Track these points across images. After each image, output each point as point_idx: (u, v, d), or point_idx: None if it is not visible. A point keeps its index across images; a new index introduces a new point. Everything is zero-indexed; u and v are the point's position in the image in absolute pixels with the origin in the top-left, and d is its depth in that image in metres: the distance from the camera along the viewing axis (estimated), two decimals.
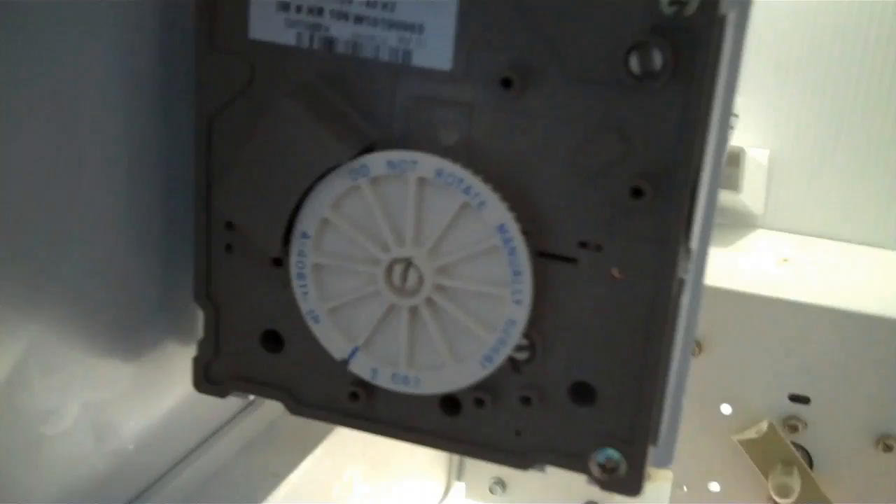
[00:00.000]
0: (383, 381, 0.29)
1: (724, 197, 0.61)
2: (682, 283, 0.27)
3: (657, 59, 0.25)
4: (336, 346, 0.29)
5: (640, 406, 0.28)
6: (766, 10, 0.61)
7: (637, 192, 0.26)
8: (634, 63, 0.25)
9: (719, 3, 0.25)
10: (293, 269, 0.29)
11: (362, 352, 0.29)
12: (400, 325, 0.28)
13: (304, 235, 0.28)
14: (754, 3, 0.28)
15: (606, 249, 0.27)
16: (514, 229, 0.27)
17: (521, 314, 0.27)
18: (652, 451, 0.29)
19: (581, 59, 0.26)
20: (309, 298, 0.29)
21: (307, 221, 0.28)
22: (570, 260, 0.27)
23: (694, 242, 0.27)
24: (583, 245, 0.27)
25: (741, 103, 0.61)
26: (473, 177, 0.27)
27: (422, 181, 0.27)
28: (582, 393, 0.28)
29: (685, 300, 0.28)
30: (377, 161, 0.27)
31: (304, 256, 0.29)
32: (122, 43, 0.28)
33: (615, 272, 0.27)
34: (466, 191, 0.27)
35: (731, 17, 0.26)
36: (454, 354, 0.28)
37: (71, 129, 0.26)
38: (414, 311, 0.28)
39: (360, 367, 0.29)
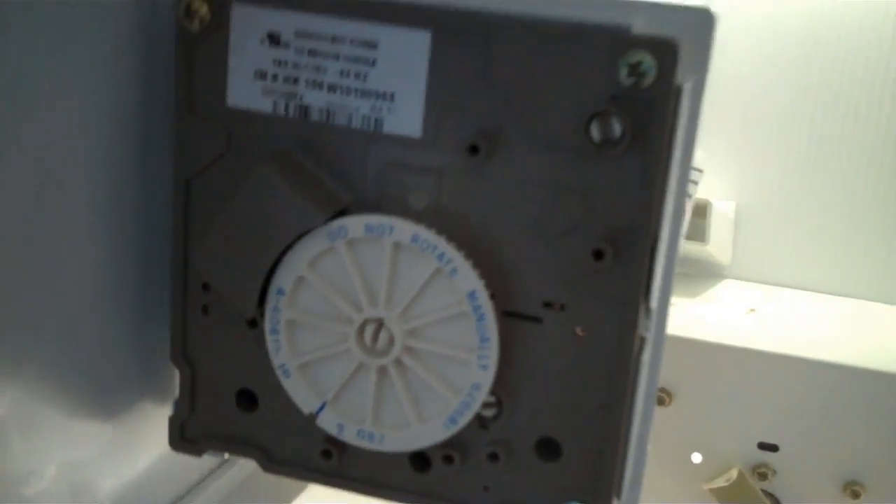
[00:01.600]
0: (349, 437, 0.30)
1: (692, 248, 0.62)
2: (643, 340, 0.28)
3: (616, 128, 0.26)
4: (304, 400, 0.30)
5: (603, 460, 0.29)
6: (731, 65, 0.63)
7: (598, 254, 0.27)
8: (595, 131, 0.26)
9: (675, 75, 0.26)
10: (267, 324, 0.29)
11: (330, 407, 0.30)
12: (368, 383, 0.29)
13: (280, 291, 0.29)
14: (710, 70, 0.30)
15: (570, 309, 0.28)
16: (483, 297, 0.28)
17: (487, 379, 0.28)
18: None
19: (545, 127, 0.27)
20: (281, 353, 0.30)
21: (283, 278, 0.29)
22: (536, 319, 0.28)
23: (654, 301, 0.28)
24: (547, 305, 0.28)
25: (707, 156, 0.63)
26: (447, 244, 0.28)
27: (397, 246, 0.28)
28: (548, 448, 0.29)
29: (646, 356, 0.29)
30: (355, 224, 0.28)
31: (278, 312, 0.29)
32: (103, 106, 0.28)
33: (578, 330, 0.28)
34: (440, 257, 0.28)
35: (688, 87, 0.27)
36: (419, 415, 0.29)
37: (51, 192, 0.27)
38: (382, 370, 0.29)
39: (327, 423, 0.30)
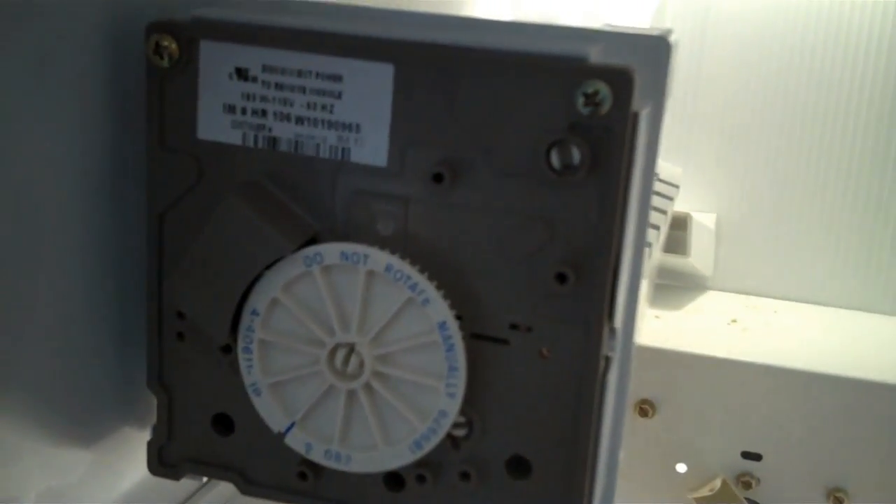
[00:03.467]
0: (317, 456, 0.30)
1: (674, 261, 0.63)
2: (608, 360, 0.29)
3: (575, 155, 0.27)
4: (274, 419, 0.31)
5: (572, 477, 0.29)
6: (710, 77, 0.64)
7: (561, 278, 0.28)
8: (555, 158, 0.27)
9: (631, 102, 0.27)
10: (240, 342, 0.30)
11: (298, 427, 0.30)
12: (337, 405, 0.30)
13: (254, 312, 0.30)
14: (670, 96, 0.30)
15: (536, 331, 0.29)
16: (454, 328, 0.28)
17: (453, 406, 0.29)
18: None
19: (506, 155, 0.28)
20: (252, 372, 0.30)
21: (258, 299, 0.30)
22: (503, 341, 0.29)
23: (618, 321, 0.29)
24: (514, 327, 0.29)
25: (687, 169, 0.64)
26: (420, 275, 0.28)
27: (371, 274, 0.29)
28: (518, 466, 0.30)
29: (612, 376, 0.29)
30: (331, 251, 0.29)
31: (251, 332, 0.30)
32: (77, 139, 0.29)
33: (544, 351, 0.29)
34: (412, 287, 0.28)
35: (645, 113, 0.28)
36: (386, 438, 0.30)
37: (27, 222, 0.28)
38: (352, 393, 0.30)
39: (295, 442, 0.31)
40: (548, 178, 0.27)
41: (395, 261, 0.28)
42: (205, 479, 0.34)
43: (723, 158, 0.65)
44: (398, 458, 0.30)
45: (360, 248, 0.29)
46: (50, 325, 0.29)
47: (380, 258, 0.28)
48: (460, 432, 0.30)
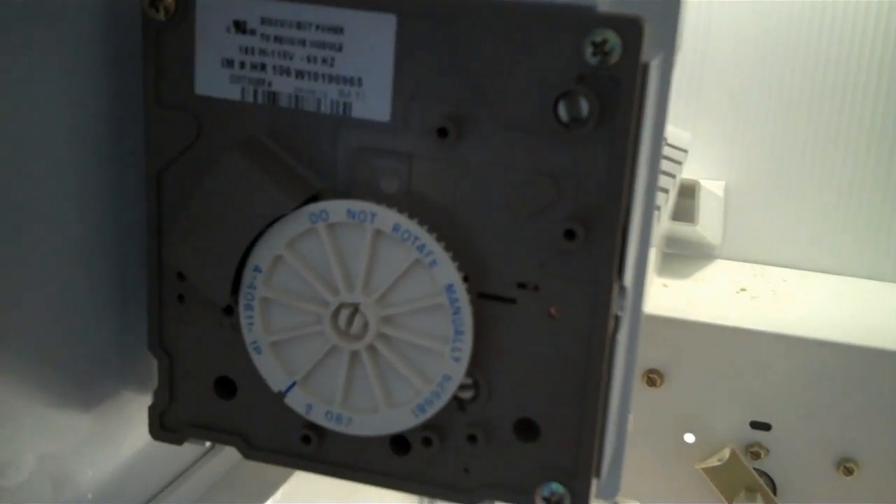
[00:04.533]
0: (317, 417, 0.30)
1: (682, 229, 0.62)
2: (617, 319, 0.28)
3: (584, 107, 0.26)
4: (274, 378, 0.30)
5: (581, 440, 0.29)
6: (718, 44, 0.63)
7: (570, 234, 0.27)
8: (563, 111, 0.26)
9: (640, 53, 0.26)
10: (241, 300, 0.29)
11: (299, 386, 0.30)
12: (339, 366, 0.29)
13: (256, 269, 0.29)
14: (680, 49, 0.30)
15: (543, 289, 0.28)
16: (461, 290, 0.28)
17: (458, 371, 0.28)
18: (596, 483, 0.29)
19: (512, 109, 0.27)
20: (254, 329, 0.30)
21: (261, 256, 0.29)
22: (510, 300, 0.28)
23: (628, 280, 0.28)
24: (521, 286, 0.28)
25: (695, 137, 0.63)
26: (428, 235, 0.28)
27: (378, 233, 0.28)
28: (526, 429, 0.29)
29: (622, 335, 0.29)
30: (337, 208, 0.28)
31: (253, 289, 0.29)
32: (74, 98, 0.28)
33: (553, 310, 0.28)
34: (420, 248, 0.28)
35: (655, 63, 0.27)
36: (389, 401, 0.29)
37: (23, 183, 0.27)
38: (355, 354, 0.29)
39: (296, 402, 0.30)
40: (556, 131, 0.26)
41: (404, 220, 0.28)
42: (208, 444, 0.33)
43: (731, 126, 0.64)
44: (401, 421, 0.29)
45: (368, 206, 0.28)
46: (49, 288, 0.29)
47: (388, 217, 0.28)
48: (467, 394, 0.29)
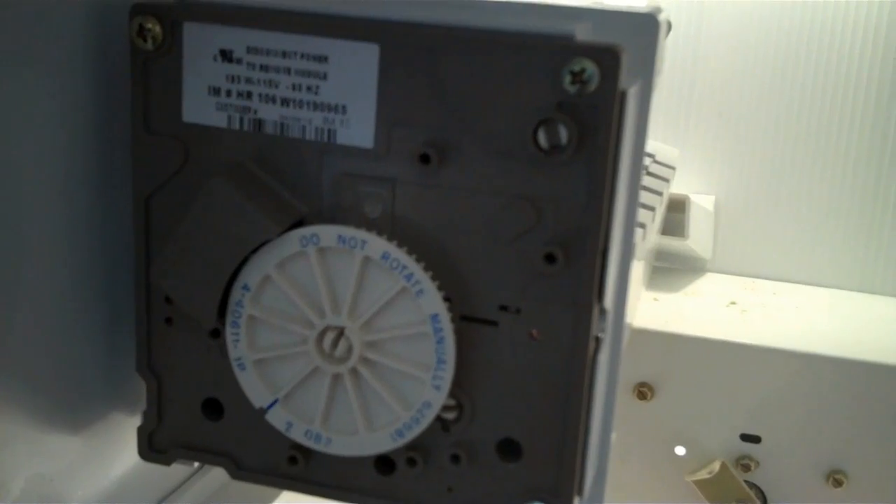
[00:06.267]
0: (297, 435, 0.30)
1: (672, 243, 0.63)
2: (598, 341, 0.29)
3: (563, 134, 0.27)
4: (257, 394, 0.30)
5: (563, 460, 0.29)
6: (707, 60, 0.64)
7: (550, 258, 0.28)
8: (542, 138, 0.27)
9: (618, 80, 0.26)
10: (228, 317, 0.30)
11: (281, 404, 0.30)
12: (321, 387, 0.30)
13: (245, 287, 0.29)
14: (660, 73, 0.30)
15: (525, 312, 0.28)
16: (445, 320, 0.28)
17: (439, 398, 0.29)
18: (578, 501, 0.30)
19: (493, 135, 0.27)
20: (239, 346, 0.30)
21: (250, 274, 0.29)
22: (492, 323, 0.29)
23: (608, 302, 0.29)
24: (503, 308, 0.29)
25: (685, 151, 0.64)
26: (416, 264, 0.28)
27: (367, 260, 0.29)
28: (509, 449, 0.30)
29: (603, 356, 0.29)
30: (329, 233, 0.29)
31: (241, 307, 0.30)
32: (64, 123, 0.29)
33: (534, 333, 0.29)
34: (408, 277, 0.28)
35: (633, 91, 0.28)
36: (368, 424, 0.30)
37: (12, 207, 0.27)
38: (337, 377, 0.30)
39: (276, 419, 0.30)
40: (535, 157, 0.27)
41: (393, 249, 0.28)
42: (196, 464, 0.34)
43: (721, 140, 0.65)
44: (379, 444, 0.30)
45: (358, 233, 0.28)
46: (38, 310, 0.29)
47: (377, 245, 0.28)
48: (450, 415, 0.30)
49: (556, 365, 0.29)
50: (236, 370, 0.30)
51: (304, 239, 0.29)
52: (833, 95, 0.62)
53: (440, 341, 0.28)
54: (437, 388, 0.29)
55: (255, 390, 0.30)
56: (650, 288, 0.63)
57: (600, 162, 0.27)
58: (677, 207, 0.63)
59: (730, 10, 0.63)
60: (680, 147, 0.63)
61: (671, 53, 0.62)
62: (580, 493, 0.30)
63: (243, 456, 0.32)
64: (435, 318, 0.28)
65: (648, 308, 0.60)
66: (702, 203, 0.64)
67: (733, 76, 0.64)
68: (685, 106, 0.65)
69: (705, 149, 0.65)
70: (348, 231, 0.28)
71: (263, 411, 0.30)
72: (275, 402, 0.30)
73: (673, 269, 0.66)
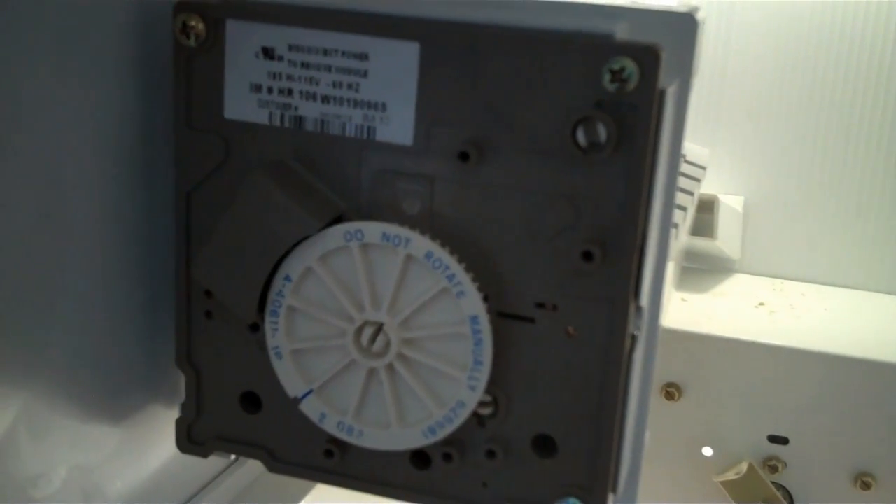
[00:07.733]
0: (329, 426, 0.31)
1: (701, 243, 0.63)
2: (634, 338, 0.29)
3: (602, 133, 0.27)
4: (292, 384, 0.31)
5: (598, 457, 0.29)
6: (738, 61, 0.64)
7: (588, 256, 0.28)
8: (581, 136, 0.27)
9: (657, 79, 0.26)
10: (268, 306, 0.30)
11: (315, 395, 0.31)
12: (356, 380, 0.30)
13: (287, 278, 0.30)
14: (697, 73, 0.30)
15: (562, 309, 0.29)
16: (484, 322, 0.28)
17: (473, 399, 0.29)
18: (612, 499, 0.30)
19: (532, 133, 0.28)
20: (277, 335, 0.30)
21: (293, 266, 0.30)
22: (529, 319, 0.29)
23: (644, 300, 0.29)
24: (540, 305, 0.29)
25: (715, 152, 0.63)
26: (458, 265, 0.28)
27: (410, 258, 0.29)
28: (544, 445, 0.30)
29: (638, 354, 0.29)
30: (373, 230, 0.29)
31: (281, 297, 0.30)
32: (107, 121, 0.29)
33: (570, 330, 0.29)
34: (450, 278, 0.28)
35: (672, 90, 0.28)
36: (401, 419, 0.30)
37: (56, 201, 0.28)
38: (373, 371, 0.30)
39: (310, 409, 0.31)
40: (574, 155, 0.27)
41: (436, 248, 0.28)
42: (233, 456, 0.34)
43: (751, 141, 0.65)
44: (410, 439, 0.30)
45: (403, 231, 0.29)
46: (80, 304, 0.29)
47: (421, 244, 0.28)
48: (486, 411, 0.30)
49: (591, 362, 0.29)
50: (273, 359, 0.31)
51: (348, 234, 0.29)
52: (864, 96, 0.62)
53: (478, 343, 0.29)
54: (472, 388, 0.29)
55: (291, 380, 0.31)
56: (679, 288, 0.63)
57: (639, 160, 0.27)
58: (706, 208, 0.63)
59: (760, 10, 0.63)
60: (709, 147, 0.63)
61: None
62: (614, 490, 0.30)
63: (280, 449, 0.32)
64: (474, 319, 0.29)
65: (677, 308, 0.60)
66: (731, 203, 0.64)
67: (763, 76, 0.64)
68: (714, 106, 0.65)
69: (734, 149, 0.65)
70: (392, 228, 0.29)
71: (298, 401, 0.31)
72: (309, 391, 0.31)
73: (701, 270, 0.66)
